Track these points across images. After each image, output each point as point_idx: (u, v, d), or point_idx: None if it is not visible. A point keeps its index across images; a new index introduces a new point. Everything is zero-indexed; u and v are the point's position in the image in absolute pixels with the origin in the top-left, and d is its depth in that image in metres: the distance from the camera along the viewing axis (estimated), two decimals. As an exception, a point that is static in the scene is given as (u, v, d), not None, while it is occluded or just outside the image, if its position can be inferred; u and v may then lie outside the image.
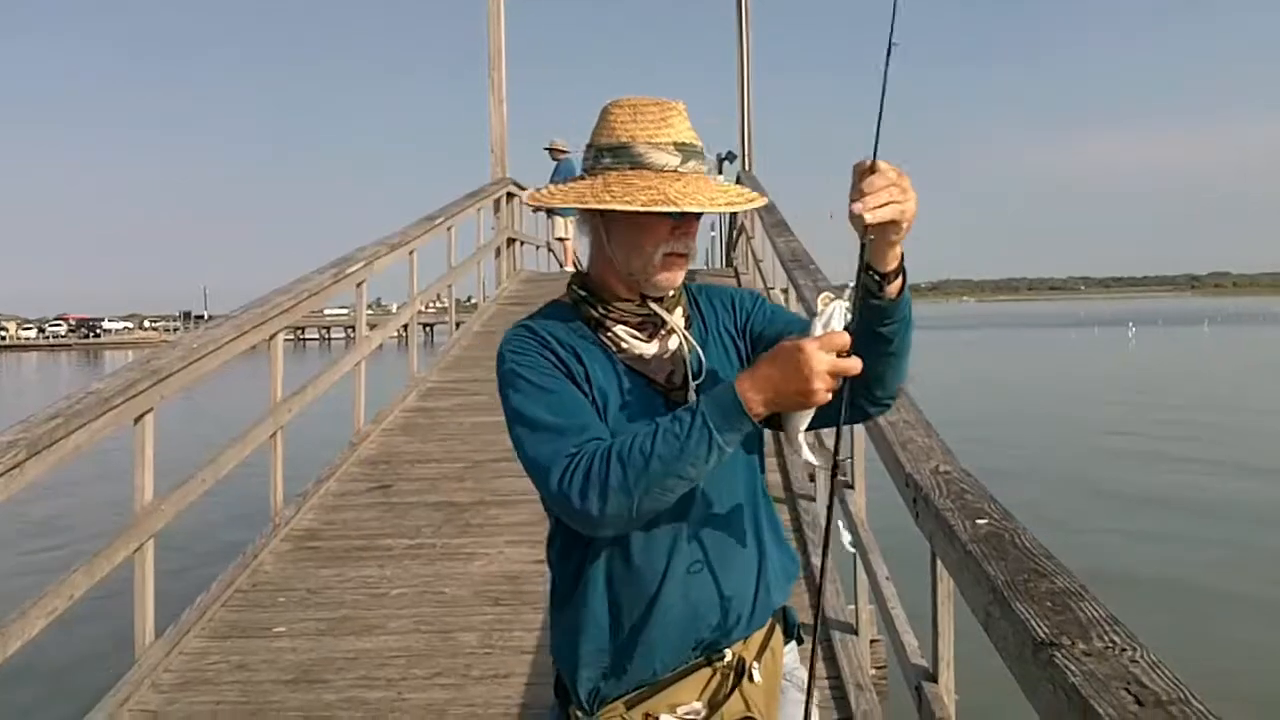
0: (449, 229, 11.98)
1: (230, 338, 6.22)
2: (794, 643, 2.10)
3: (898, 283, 1.73)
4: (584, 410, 1.84)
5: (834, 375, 1.62)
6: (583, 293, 1.97)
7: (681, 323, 1.97)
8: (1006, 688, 2.00)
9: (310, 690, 4.62)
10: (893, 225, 1.64)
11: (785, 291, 9.28)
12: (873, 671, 5.07)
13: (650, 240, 1.88)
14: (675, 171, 1.86)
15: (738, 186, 2.00)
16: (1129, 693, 1.56)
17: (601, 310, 1.94)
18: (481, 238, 14.12)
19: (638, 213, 1.82)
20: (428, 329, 41.75)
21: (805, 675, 2.02)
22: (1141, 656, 1.69)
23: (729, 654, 1.92)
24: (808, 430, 1.77)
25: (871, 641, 5.22)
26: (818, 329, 1.67)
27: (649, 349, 1.93)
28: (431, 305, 20.88)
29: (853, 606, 5.26)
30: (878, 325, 1.75)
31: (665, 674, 1.90)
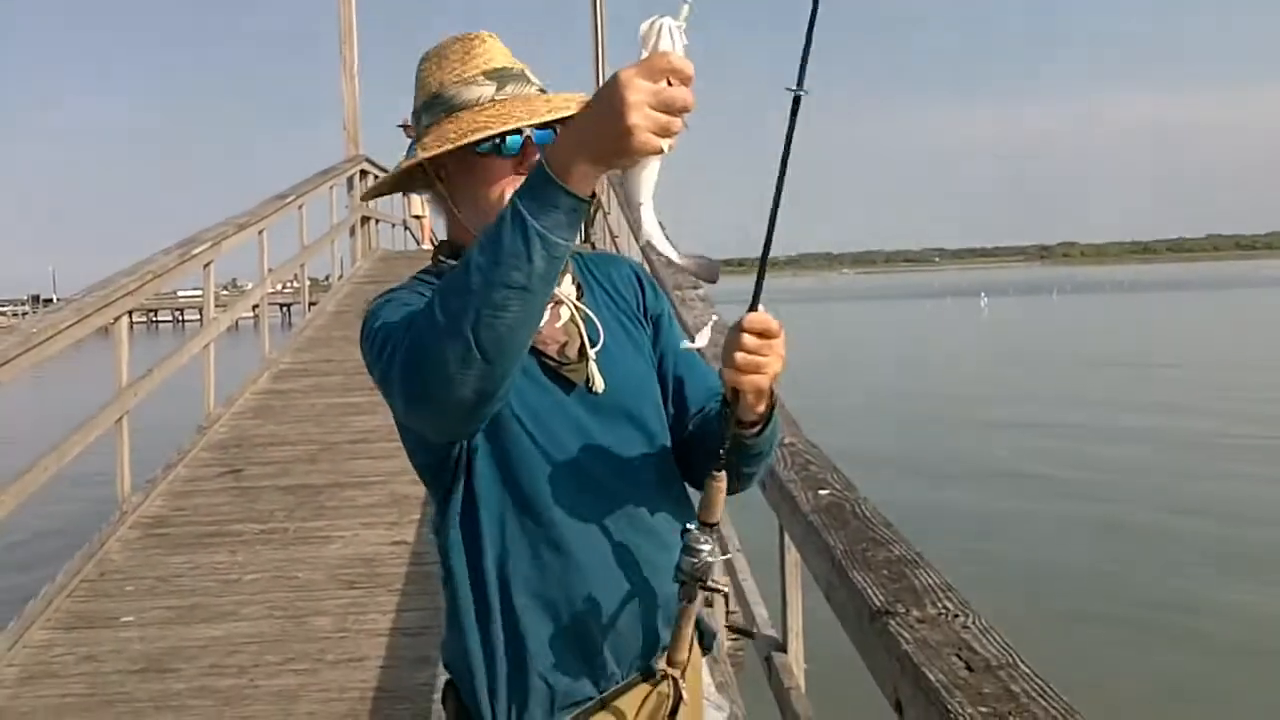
0: (300, 207, 11.76)
1: (71, 322, 6.03)
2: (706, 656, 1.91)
3: (766, 423, 1.65)
4: None
5: (661, 109, 1.29)
6: (453, 262, 1.70)
7: (572, 292, 1.75)
8: (855, 655, 2.01)
9: (160, 680, 4.55)
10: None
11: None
12: (728, 643, 5.18)
13: (493, 187, 1.67)
14: (492, 101, 1.67)
15: (573, 94, 1.71)
16: (960, 658, 1.59)
17: None
18: (335, 216, 13.90)
19: (468, 157, 1.64)
20: (284, 309, 40.83)
21: (723, 699, 1.93)
22: (973, 623, 1.72)
23: (662, 670, 1.69)
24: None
25: (728, 613, 5.31)
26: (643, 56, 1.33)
27: None
28: (289, 285, 20.47)
29: (708, 578, 5.34)
30: (744, 463, 1.68)
31: (604, 693, 1.68)
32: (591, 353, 1.70)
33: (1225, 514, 12.61)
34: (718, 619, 4.81)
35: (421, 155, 1.64)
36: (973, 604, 1.82)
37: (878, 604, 1.86)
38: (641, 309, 1.85)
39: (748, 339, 1.54)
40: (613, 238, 13.52)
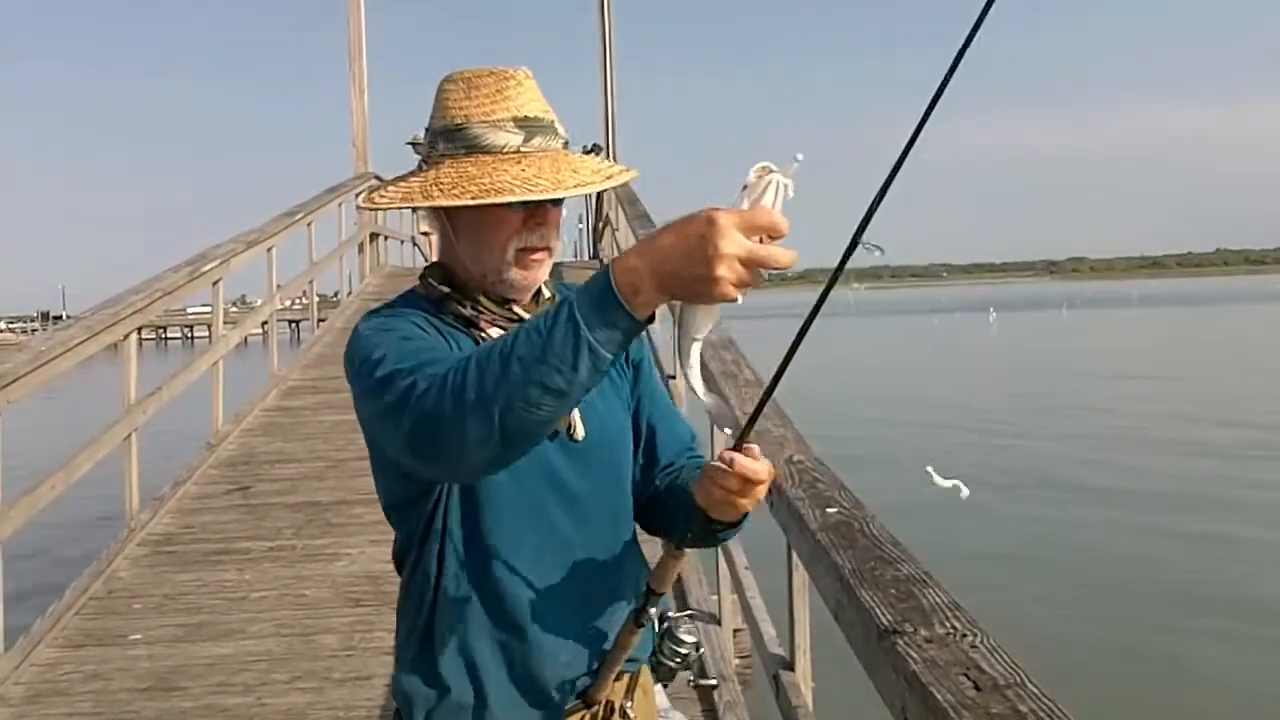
0: (309, 224, 11.80)
1: (81, 339, 6.05)
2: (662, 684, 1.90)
3: (738, 523, 1.65)
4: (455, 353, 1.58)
5: (749, 266, 1.24)
6: (446, 288, 1.71)
7: None
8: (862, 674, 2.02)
9: (167, 699, 4.54)
10: None
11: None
12: (736, 661, 5.17)
13: (500, 235, 1.64)
14: (517, 152, 1.61)
15: (597, 160, 1.69)
16: (968, 678, 1.59)
17: (472, 309, 1.69)
18: (344, 233, 13.95)
19: (479, 206, 1.60)
20: (294, 326, 40.91)
21: (681, 715, 1.93)
22: (981, 642, 1.72)
23: (601, 696, 1.72)
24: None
25: (735, 631, 5.30)
26: (743, 204, 1.28)
27: None
28: (297, 302, 20.54)
29: (715, 596, 5.34)
30: (708, 542, 1.70)
31: None
32: None
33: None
34: (718, 658, 4.81)
35: (440, 201, 1.59)
36: (981, 622, 1.81)
37: (885, 623, 1.86)
38: (625, 354, 1.80)
39: (732, 482, 1.52)
40: (621, 254, 13.52)
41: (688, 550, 1.68)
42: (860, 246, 1.37)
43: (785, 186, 1.28)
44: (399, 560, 1.75)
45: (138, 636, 5.18)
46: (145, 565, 6.14)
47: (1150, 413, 22.58)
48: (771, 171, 1.29)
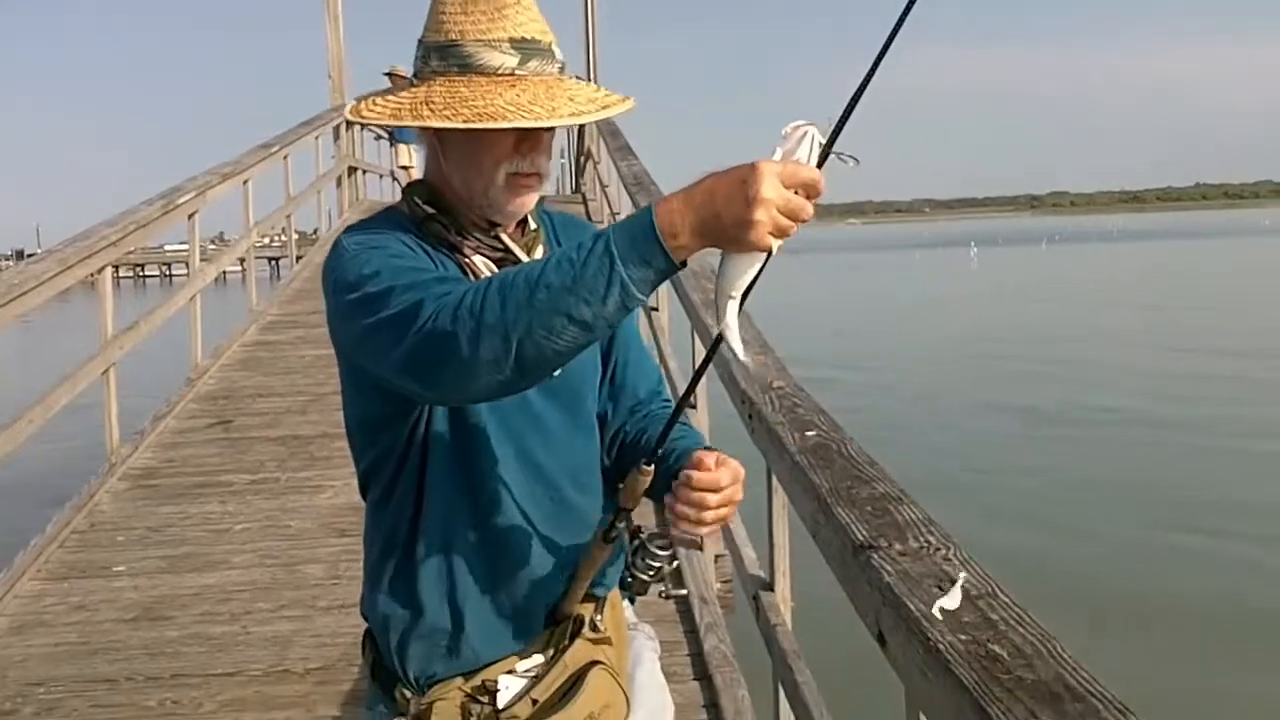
0: (285, 157, 11.70)
1: (53, 273, 5.99)
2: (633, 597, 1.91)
3: None
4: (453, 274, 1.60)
5: (786, 215, 1.29)
6: (430, 209, 1.67)
7: None
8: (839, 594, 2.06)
9: (153, 628, 4.58)
10: None
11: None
12: (718, 586, 5.23)
13: (490, 158, 1.60)
14: (512, 75, 1.57)
15: (593, 88, 1.65)
16: (940, 589, 1.62)
17: (456, 234, 1.66)
18: (321, 167, 13.82)
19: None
20: (273, 263, 40.67)
21: (650, 627, 1.95)
22: (954, 554, 1.75)
23: (570, 610, 1.74)
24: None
25: (716, 557, 5.35)
26: (777, 156, 1.33)
27: None
28: (275, 239, 20.38)
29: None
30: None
31: (513, 652, 1.71)
32: None
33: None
34: (701, 573, 4.87)
35: (431, 122, 1.54)
36: (954, 537, 1.85)
37: (861, 538, 1.90)
38: None
39: (694, 495, 1.57)
40: (602, 187, 13.49)
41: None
42: (833, 157, 1.38)
43: (818, 140, 1.33)
44: (367, 481, 1.75)
45: (121, 568, 5.20)
46: (127, 499, 6.15)
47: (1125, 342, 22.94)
48: (804, 126, 1.34)
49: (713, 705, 3.79)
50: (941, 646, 1.45)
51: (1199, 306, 31.00)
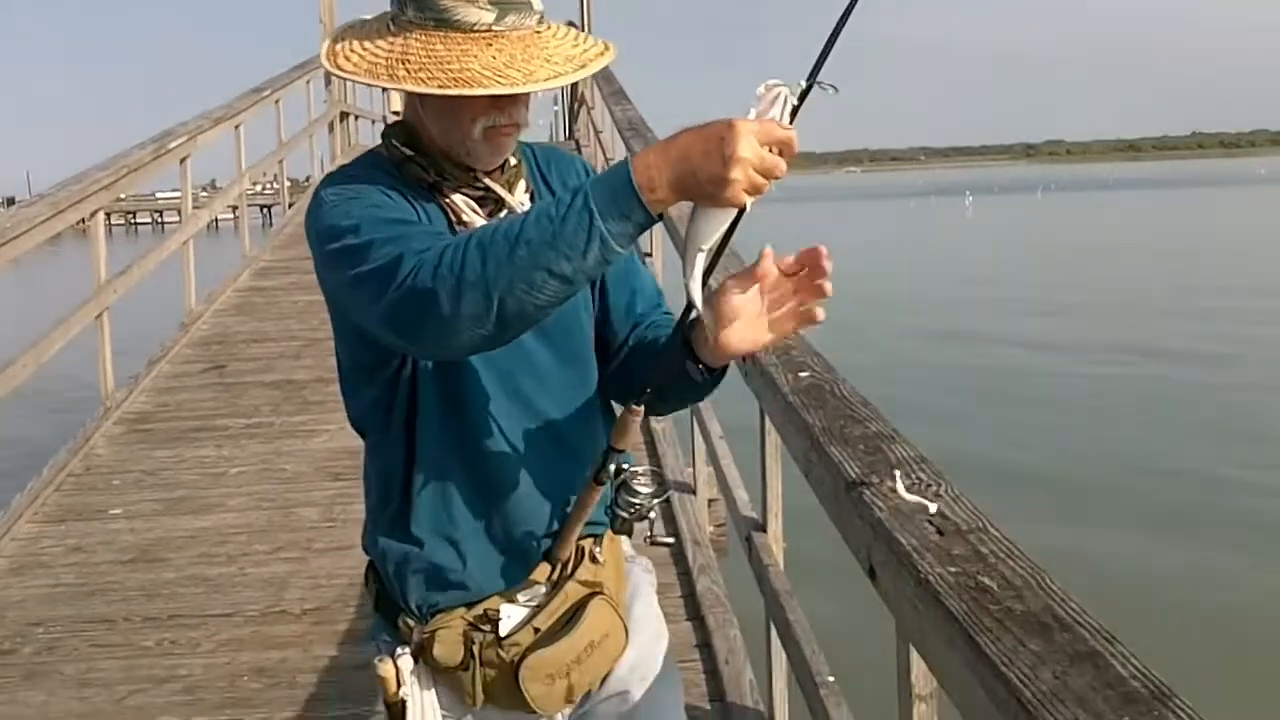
0: (277, 102, 11.61)
1: (45, 216, 5.96)
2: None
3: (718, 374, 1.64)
4: (435, 226, 1.59)
5: (760, 172, 1.31)
6: (409, 151, 1.65)
7: (525, 201, 1.68)
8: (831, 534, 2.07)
9: (150, 569, 4.61)
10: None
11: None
12: (711, 529, 5.27)
13: (466, 113, 1.58)
14: (489, 31, 1.53)
15: (572, 43, 1.61)
16: (931, 524, 1.64)
17: (435, 175, 1.64)
18: (313, 112, 13.74)
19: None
20: (265, 210, 40.53)
21: (647, 560, 1.96)
22: (945, 491, 1.77)
23: (564, 555, 1.72)
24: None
25: (710, 501, 5.39)
26: (751, 114, 1.36)
27: None
28: (268, 186, 20.26)
29: (690, 469, 5.41)
30: (678, 395, 1.70)
31: (514, 583, 1.71)
32: None
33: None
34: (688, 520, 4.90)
35: (406, 85, 1.54)
36: (947, 474, 1.86)
37: (853, 476, 1.91)
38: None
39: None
40: (596, 133, 13.41)
41: (667, 418, 1.70)
42: (816, 86, 1.41)
43: (790, 100, 1.37)
44: (361, 422, 1.77)
45: (118, 511, 5.23)
46: (122, 443, 6.17)
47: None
48: (778, 86, 1.38)
49: (705, 645, 3.83)
50: (932, 579, 1.47)
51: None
